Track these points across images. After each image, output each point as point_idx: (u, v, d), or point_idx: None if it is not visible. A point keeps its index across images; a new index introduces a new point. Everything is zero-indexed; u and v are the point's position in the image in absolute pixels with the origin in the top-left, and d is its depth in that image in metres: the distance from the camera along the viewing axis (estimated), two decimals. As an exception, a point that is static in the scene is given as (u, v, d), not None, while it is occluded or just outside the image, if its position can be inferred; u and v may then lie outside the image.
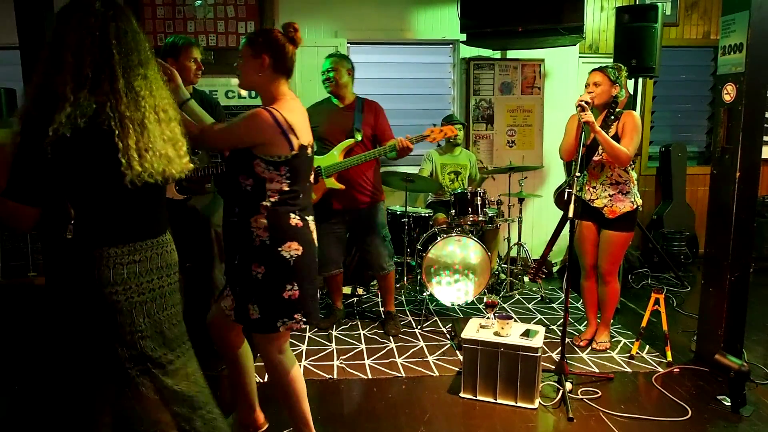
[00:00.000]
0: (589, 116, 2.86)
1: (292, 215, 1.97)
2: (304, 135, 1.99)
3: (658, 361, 3.13)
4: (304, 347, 3.36)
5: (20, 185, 1.39)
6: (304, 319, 2.01)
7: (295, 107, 2.00)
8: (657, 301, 3.12)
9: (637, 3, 4.58)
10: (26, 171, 1.39)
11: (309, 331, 3.60)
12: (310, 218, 2.05)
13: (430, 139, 3.41)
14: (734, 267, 2.97)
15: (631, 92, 4.32)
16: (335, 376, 2.99)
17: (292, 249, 1.95)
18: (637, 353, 3.21)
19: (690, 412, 2.59)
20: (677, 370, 3.04)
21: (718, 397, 2.71)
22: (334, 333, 3.59)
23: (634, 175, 3.12)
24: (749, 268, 3.01)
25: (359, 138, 3.40)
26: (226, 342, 2.29)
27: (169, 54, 2.84)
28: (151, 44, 1.57)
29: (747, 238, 2.97)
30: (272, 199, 1.94)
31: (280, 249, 1.93)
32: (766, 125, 3.05)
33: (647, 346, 3.32)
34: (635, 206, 3.07)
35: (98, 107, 1.38)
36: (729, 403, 2.64)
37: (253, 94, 4.78)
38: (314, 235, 2.07)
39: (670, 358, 3.11)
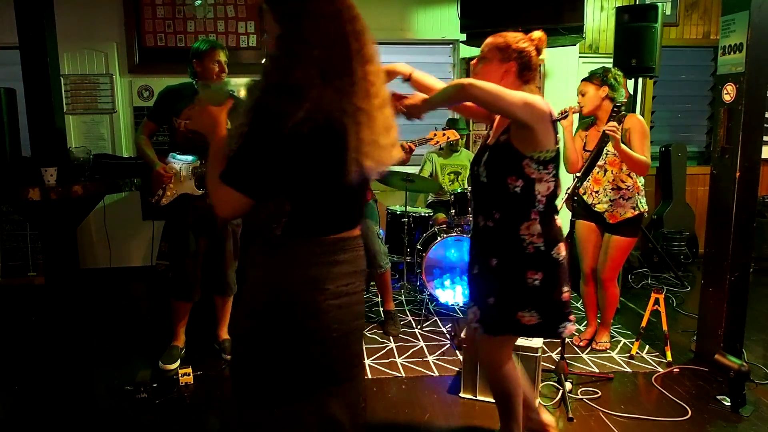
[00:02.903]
0: (615, 132, 2.78)
1: (556, 217, 1.96)
2: (554, 134, 1.93)
3: (658, 361, 3.13)
4: (304, 347, 3.36)
5: (243, 173, 1.29)
6: (573, 324, 1.99)
7: None
8: (657, 301, 3.12)
9: (637, 3, 4.58)
10: (252, 161, 1.28)
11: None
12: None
13: (432, 142, 3.42)
14: (734, 267, 2.97)
15: (631, 92, 4.32)
16: (335, 376, 2.98)
17: (561, 251, 1.93)
18: (637, 353, 3.21)
19: (690, 412, 2.59)
20: (677, 370, 3.04)
21: (718, 397, 2.71)
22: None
23: (639, 181, 3.06)
24: (749, 268, 3.01)
25: None
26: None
27: (195, 56, 2.94)
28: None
29: (747, 238, 2.97)
30: (542, 205, 1.91)
31: (553, 253, 1.91)
32: (766, 125, 3.05)
33: (647, 346, 3.32)
34: (638, 212, 3.04)
35: (336, 101, 1.29)
36: (729, 403, 2.64)
37: (253, 94, 4.78)
38: None
39: (670, 358, 3.11)
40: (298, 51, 1.29)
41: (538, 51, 1.98)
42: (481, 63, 2.00)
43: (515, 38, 1.97)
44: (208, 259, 3.11)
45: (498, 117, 2.04)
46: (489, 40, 2.00)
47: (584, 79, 3.06)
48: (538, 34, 1.99)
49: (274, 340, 1.37)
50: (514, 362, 2.12)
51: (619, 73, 3.02)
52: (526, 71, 1.97)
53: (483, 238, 2.01)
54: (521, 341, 2.64)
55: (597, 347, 3.28)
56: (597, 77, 2.99)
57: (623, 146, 2.84)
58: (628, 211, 3.03)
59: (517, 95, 1.82)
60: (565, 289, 1.94)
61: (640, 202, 3.06)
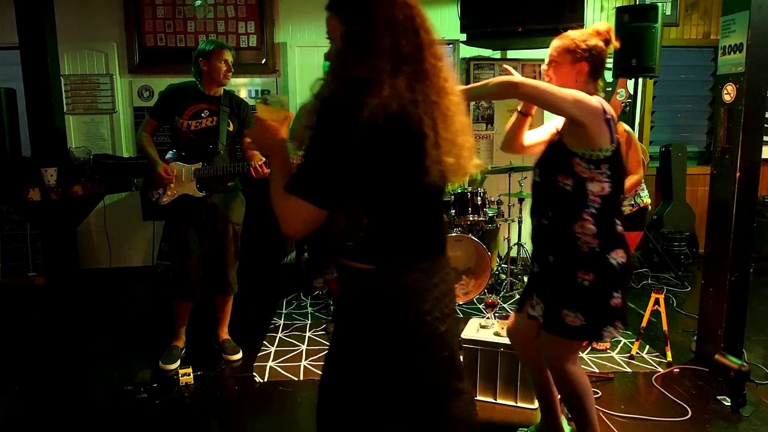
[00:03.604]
0: None
1: (617, 221, 1.92)
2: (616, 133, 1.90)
3: (658, 361, 3.13)
4: (304, 347, 3.36)
5: (311, 178, 1.15)
6: (622, 327, 1.96)
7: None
8: (657, 301, 3.12)
9: (637, 3, 4.58)
10: (322, 162, 1.15)
11: (309, 331, 3.61)
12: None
13: None
14: (734, 267, 2.97)
15: (631, 92, 4.32)
16: (335, 376, 2.98)
17: (619, 256, 1.88)
18: (637, 353, 3.21)
19: (690, 412, 2.59)
20: (677, 370, 3.04)
21: (718, 397, 2.71)
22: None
23: (636, 179, 3.10)
24: (749, 268, 3.01)
25: None
26: (530, 351, 2.17)
27: (201, 55, 2.95)
28: None
29: (747, 238, 2.97)
30: (596, 205, 1.87)
31: (608, 256, 1.87)
32: (766, 125, 3.04)
33: (647, 346, 3.32)
34: (636, 207, 3.05)
35: (409, 92, 1.18)
36: (729, 403, 2.64)
37: (253, 93, 4.78)
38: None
39: (670, 358, 3.11)
40: (366, 41, 1.19)
41: (608, 42, 1.94)
42: (551, 67, 1.97)
43: (582, 36, 1.93)
44: (209, 260, 3.11)
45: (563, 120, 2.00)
46: (556, 42, 1.97)
47: None
48: (604, 25, 1.95)
49: (389, 372, 1.28)
50: (579, 365, 2.06)
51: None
52: (600, 68, 1.93)
53: (541, 237, 2.01)
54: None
55: (597, 347, 3.28)
56: None
57: None
58: (626, 208, 3.05)
59: (567, 92, 1.80)
60: (617, 294, 1.88)
61: (640, 197, 3.07)
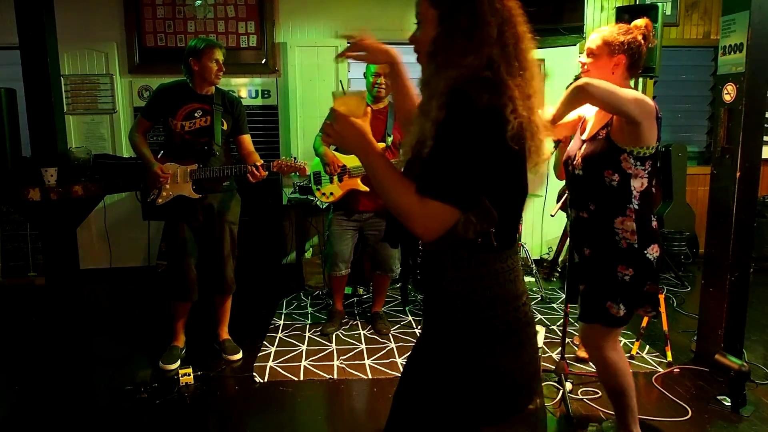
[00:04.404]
0: None
1: (653, 218, 1.99)
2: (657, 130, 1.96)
3: (658, 361, 3.13)
4: (304, 347, 3.36)
5: (452, 183, 1.10)
6: (652, 311, 2.07)
7: None
8: (657, 301, 3.12)
9: (637, 3, 4.58)
10: (464, 168, 1.09)
11: (309, 331, 3.61)
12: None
13: None
14: (734, 267, 2.97)
15: (631, 92, 4.33)
16: (335, 376, 2.99)
17: (655, 251, 1.98)
18: (637, 353, 3.21)
19: (690, 412, 2.59)
20: (677, 370, 3.04)
21: (718, 397, 2.71)
22: (334, 333, 3.59)
23: None
24: (749, 268, 3.01)
25: (389, 142, 3.40)
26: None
27: (191, 54, 2.91)
28: None
29: (747, 238, 2.97)
30: (637, 201, 1.94)
31: (646, 252, 1.96)
32: (766, 125, 3.04)
33: (647, 346, 3.32)
34: None
35: (525, 98, 1.15)
36: (729, 403, 2.64)
37: (254, 93, 4.78)
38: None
39: (670, 358, 3.11)
40: (477, 28, 1.12)
41: (646, 38, 1.98)
42: (590, 59, 2.01)
43: (621, 29, 1.98)
44: (207, 260, 3.11)
45: (597, 111, 2.06)
46: (594, 35, 2.02)
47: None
48: (642, 21, 1.99)
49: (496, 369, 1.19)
50: (621, 353, 2.14)
51: None
52: (638, 61, 1.97)
53: (579, 230, 2.08)
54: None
55: (579, 354, 3.12)
56: None
57: None
58: None
59: (628, 93, 1.85)
60: (650, 282, 1.99)
61: None
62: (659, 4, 3.96)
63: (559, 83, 5.01)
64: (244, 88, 4.78)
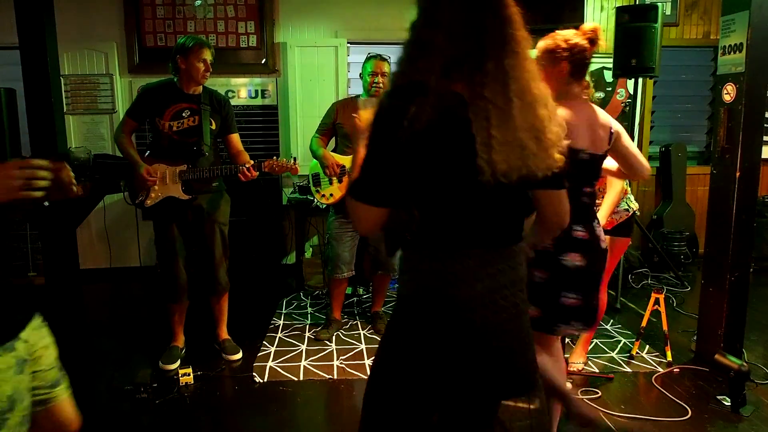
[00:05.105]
0: None
1: (580, 227, 1.94)
2: (580, 139, 1.89)
3: (658, 361, 3.13)
4: (303, 347, 3.36)
5: (365, 183, 1.23)
6: (581, 327, 2.05)
7: (578, 108, 1.93)
8: (657, 301, 3.12)
9: (637, 3, 4.58)
10: (374, 167, 1.22)
11: (309, 331, 3.60)
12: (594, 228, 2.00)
13: None
14: (734, 267, 2.97)
15: (631, 92, 4.32)
16: (335, 376, 2.98)
17: (575, 259, 1.94)
18: (637, 353, 3.21)
19: (690, 412, 2.59)
20: (677, 370, 3.04)
21: (718, 397, 2.71)
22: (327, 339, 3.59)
23: (625, 184, 3.07)
24: (749, 268, 3.01)
25: None
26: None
27: (179, 52, 2.87)
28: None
29: (747, 238, 2.97)
30: None
31: (561, 258, 1.93)
32: (766, 125, 3.05)
33: (647, 346, 3.32)
34: (631, 212, 3.03)
35: (458, 95, 1.17)
36: (729, 403, 2.64)
37: (253, 93, 4.78)
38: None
39: (670, 358, 3.11)
40: (425, 38, 1.20)
41: (593, 42, 1.94)
42: (539, 69, 2.00)
43: (565, 35, 1.93)
44: (199, 261, 3.09)
45: None
46: (540, 43, 1.98)
47: None
48: (590, 26, 1.95)
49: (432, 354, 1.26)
50: (547, 359, 2.09)
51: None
52: (581, 68, 1.94)
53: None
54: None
55: (570, 368, 2.99)
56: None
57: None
58: (622, 215, 3.02)
59: (559, 114, 1.87)
60: (572, 296, 1.94)
61: (629, 203, 3.04)
62: (659, 4, 3.97)
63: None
64: (243, 88, 4.78)
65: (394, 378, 1.30)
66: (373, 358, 1.39)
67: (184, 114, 2.93)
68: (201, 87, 2.98)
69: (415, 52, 1.21)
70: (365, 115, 1.31)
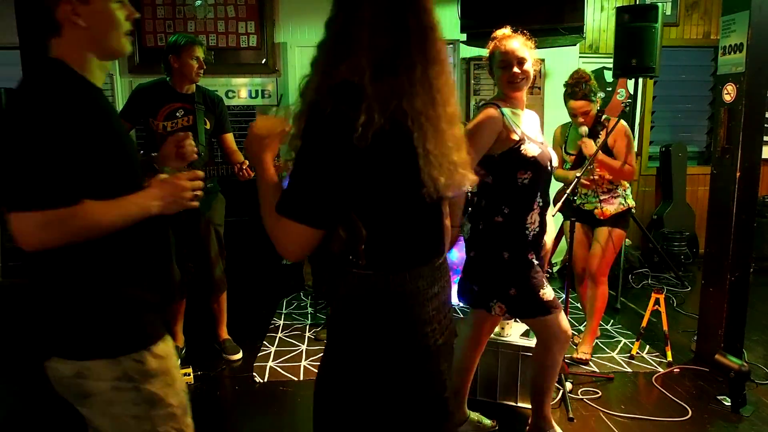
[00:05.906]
0: (593, 150, 2.93)
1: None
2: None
3: (658, 361, 3.13)
4: (304, 347, 3.36)
5: (302, 199, 1.08)
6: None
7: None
8: (657, 301, 3.12)
9: (637, 3, 4.58)
10: (311, 182, 1.08)
11: (309, 331, 3.60)
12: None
13: None
14: (734, 267, 2.97)
15: (631, 92, 4.32)
16: (335, 376, 2.98)
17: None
18: (637, 353, 3.21)
19: (690, 412, 2.59)
20: (677, 370, 3.04)
21: (718, 397, 2.71)
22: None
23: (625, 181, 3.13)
24: (749, 268, 3.01)
25: None
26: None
27: (171, 51, 2.84)
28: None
29: (747, 238, 2.97)
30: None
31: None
32: (766, 125, 3.04)
33: (647, 346, 3.32)
34: (625, 207, 3.06)
35: (394, 101, 1.07)
36: (729, 403, 2.64)
37: (253, 93, 4.78)
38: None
39: (670, 358, 3.11)
40: (348, 34, 1.10)
41: (500, 46, 2.02)
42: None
43: (489, 46, 2.09)
44: (194, 262, 3.08)
45: None
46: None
47: (583, 98, 3.01)
48: (500, 31, 2.06)
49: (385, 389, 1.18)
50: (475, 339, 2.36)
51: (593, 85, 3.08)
52: (500, 71, 2.03)
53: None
54: (522, 341, 2.64)
55: (575, 356, 3.10)
56: (593, 94, 3.01)
57: (606, 159, 2.96)
58: (618, 206, 3.05)
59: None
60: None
61: (627, 198, 3.08)
62: (659, 4, 3.97)
63: (559, 83, 5.01)
64: (243, 88, 4.78)
65: (344, 398, 1.21)
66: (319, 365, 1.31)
67: (178, 114, 2.91)
68: (194, 86, 2.96)
69: (339, 48, 1.10)
70: (264, 122, 1.24)
